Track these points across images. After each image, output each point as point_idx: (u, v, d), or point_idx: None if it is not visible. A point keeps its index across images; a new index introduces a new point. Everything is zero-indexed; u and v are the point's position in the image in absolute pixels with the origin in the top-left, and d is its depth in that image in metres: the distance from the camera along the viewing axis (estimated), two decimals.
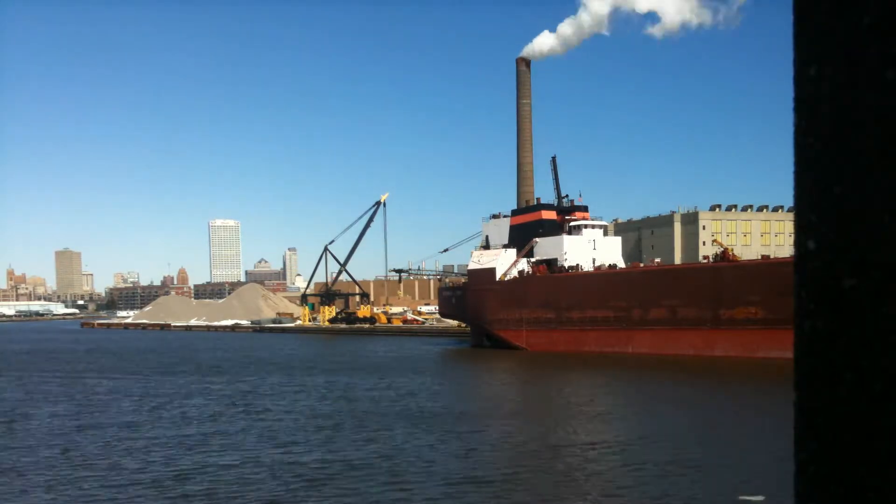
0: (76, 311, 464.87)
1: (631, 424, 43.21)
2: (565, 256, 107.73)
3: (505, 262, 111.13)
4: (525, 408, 52.46)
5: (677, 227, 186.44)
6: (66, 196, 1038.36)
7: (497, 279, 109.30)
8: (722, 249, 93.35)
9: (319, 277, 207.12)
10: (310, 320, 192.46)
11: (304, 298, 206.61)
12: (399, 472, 31.71)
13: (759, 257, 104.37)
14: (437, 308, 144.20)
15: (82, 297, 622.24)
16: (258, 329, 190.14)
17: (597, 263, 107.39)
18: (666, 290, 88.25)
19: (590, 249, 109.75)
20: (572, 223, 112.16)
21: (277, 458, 35.05)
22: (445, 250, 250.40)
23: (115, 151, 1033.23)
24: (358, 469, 32.40)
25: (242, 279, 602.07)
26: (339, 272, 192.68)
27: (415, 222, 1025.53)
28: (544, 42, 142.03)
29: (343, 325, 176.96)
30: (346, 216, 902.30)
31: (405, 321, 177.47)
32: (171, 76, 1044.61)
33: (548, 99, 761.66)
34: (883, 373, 1.23)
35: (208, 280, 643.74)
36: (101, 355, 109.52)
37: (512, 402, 55.73)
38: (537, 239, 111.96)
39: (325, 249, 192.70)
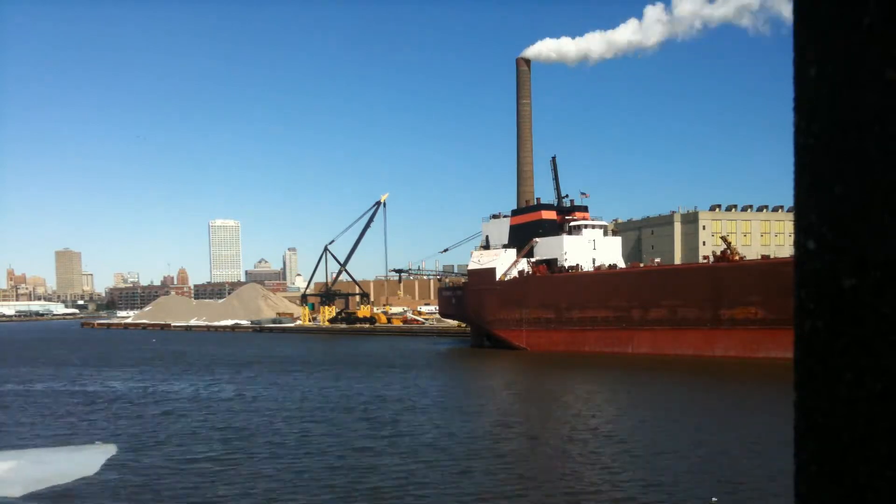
0: (76, 311, 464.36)
1: (632, 431, 43.19)
2: (565, 256, 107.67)
3: (505, 263, 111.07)
4: (526, 409, 52.47)
5: (677, 227, 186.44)
6: (66, 196, 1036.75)
7: (497, 279, 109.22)
8: (725, 246, 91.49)
9: (319, 277, 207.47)
10: (310, 320, 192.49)
11: (304, 298, 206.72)
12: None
13: (759, 257, 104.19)
14: (437, 308, 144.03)
15: (82, 297, 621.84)
16: (258, 329, 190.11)
17: (597, 263, 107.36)
18: (666, 290, 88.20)
19: (590, 249, 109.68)
20: (572, 223, 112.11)
21: None
22: (445, 250, 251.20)
23: (115, 151, 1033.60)
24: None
25: (242, 279, 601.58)
26: (339, 272, 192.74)
27: (415, 222, 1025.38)
28: (554, 47, 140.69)
29: (343, 325, 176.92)
30: (346, 216, 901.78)
31: (405, 321, 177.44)
32: (170, 76, 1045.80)
33: (548, 99, 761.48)
34: (883, 373, 1.24)
35: (208, 280, 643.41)
36: None
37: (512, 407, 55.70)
38: (537, 239, 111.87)
39: (325, 249, 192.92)
